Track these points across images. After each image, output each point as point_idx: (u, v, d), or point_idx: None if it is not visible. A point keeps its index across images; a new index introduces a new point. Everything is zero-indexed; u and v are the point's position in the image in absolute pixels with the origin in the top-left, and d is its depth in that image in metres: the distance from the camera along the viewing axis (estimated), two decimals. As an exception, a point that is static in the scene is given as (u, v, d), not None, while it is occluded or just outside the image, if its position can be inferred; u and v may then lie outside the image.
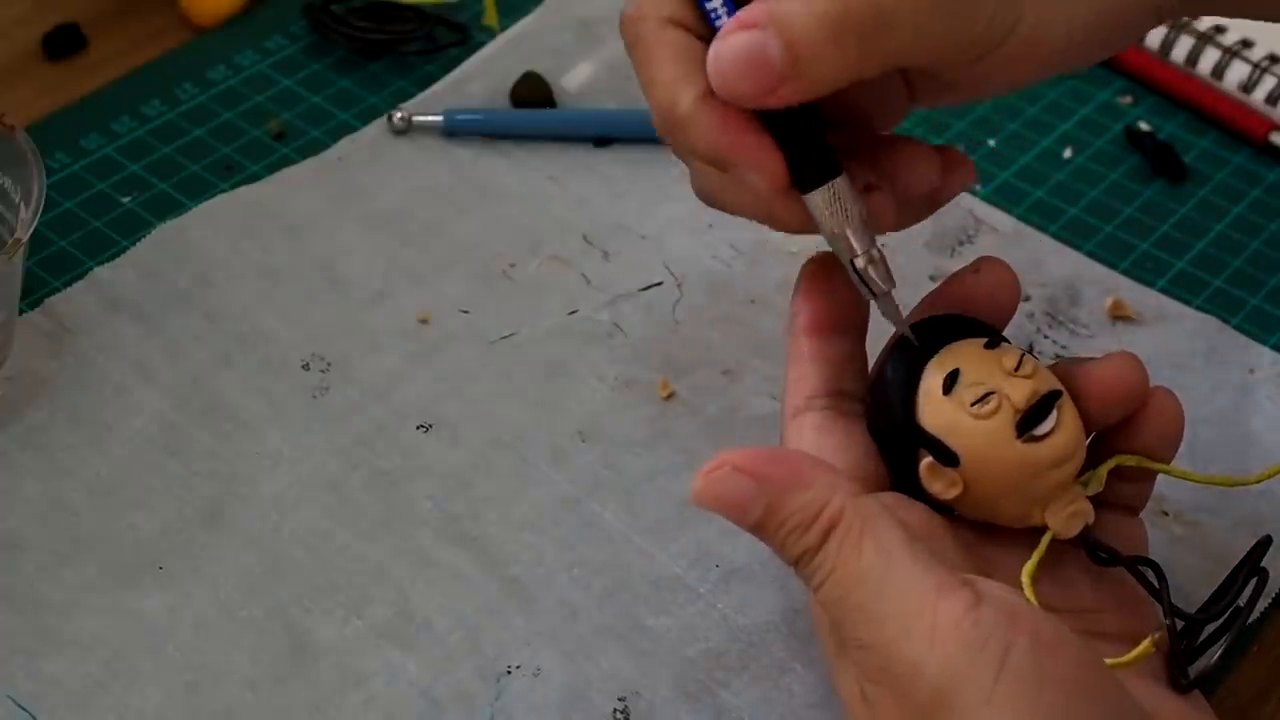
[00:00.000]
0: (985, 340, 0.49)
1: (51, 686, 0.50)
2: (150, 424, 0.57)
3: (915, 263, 0.65)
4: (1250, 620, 0.50)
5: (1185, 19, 0.74)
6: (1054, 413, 0.48)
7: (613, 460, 0.57)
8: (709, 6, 0.46)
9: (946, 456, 0.48)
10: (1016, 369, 0.48)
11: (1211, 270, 0.66)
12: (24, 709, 0.49)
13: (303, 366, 0.60)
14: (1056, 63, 0.48)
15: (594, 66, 0.73)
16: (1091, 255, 0.66)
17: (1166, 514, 0.57)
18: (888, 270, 0.48)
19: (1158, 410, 0.50)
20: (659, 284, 0.64)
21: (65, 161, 0.67)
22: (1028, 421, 0.47)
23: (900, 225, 0.51)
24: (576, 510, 0.56)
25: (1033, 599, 0.47)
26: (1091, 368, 0.49)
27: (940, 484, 0.48)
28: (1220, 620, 0.49)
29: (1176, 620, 0.48)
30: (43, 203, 0.55)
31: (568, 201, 0.67)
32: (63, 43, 0.72)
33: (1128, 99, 0.74)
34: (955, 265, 0.65)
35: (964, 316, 0.50)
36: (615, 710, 0.51)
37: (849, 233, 0.48)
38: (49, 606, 0.52)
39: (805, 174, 0.47)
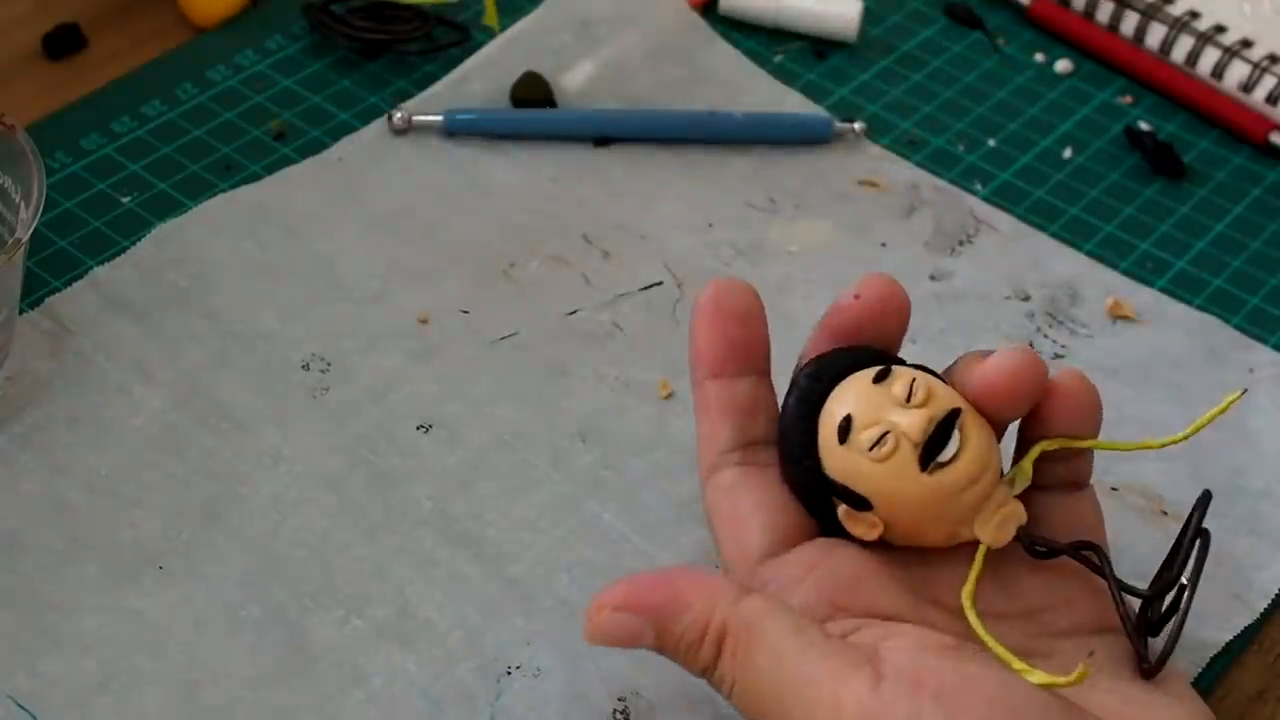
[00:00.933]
0: (875, 373, 0.48)
1: (51, 686, 0.50)
2: (150, 424, 0.57)
3: (915, 263, 0.65)
4: (1197, 582, 0.48)
5: (1185, 19, 0.74)
6: (955, 434, 0.47)
7: (613, 460, 0.57)
8: None
9: (858, 502, 0.47)
10: (908, 399, 0.47)
11: (1211, 270, 0.66)
12: (24, 709, 0.49)
13: (303, 366, 0.60)
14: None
15: (594, 66, 0.73)
16: (1091, 255, 0.66)
17: (1166, 513, 0.57)
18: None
19: (1065, 391, 0.48)
20: (659, 284, 0.64)
21: (65, 161, 0.67)
22: (929, 452, 0.46)
23: None
24: (576, 510, 0.56)
25: (975, 622, 0.46)
26: (977, 369, 0.48)
27: (861, 528, 0.48)
28: (1172, 591, 0.48)
29: (1130, 597, 0.47)
30: (43, 203, 0.55)
31: (568, 201, 0.67)
32: (63, 43, 0.72)
33: (1128, 99, 0.74)
34: (955, 265, 0.65)
35: (853, 349, 0.49)
36: (615, 710, 0.51)
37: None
38: (49, 606, 0.52)
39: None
